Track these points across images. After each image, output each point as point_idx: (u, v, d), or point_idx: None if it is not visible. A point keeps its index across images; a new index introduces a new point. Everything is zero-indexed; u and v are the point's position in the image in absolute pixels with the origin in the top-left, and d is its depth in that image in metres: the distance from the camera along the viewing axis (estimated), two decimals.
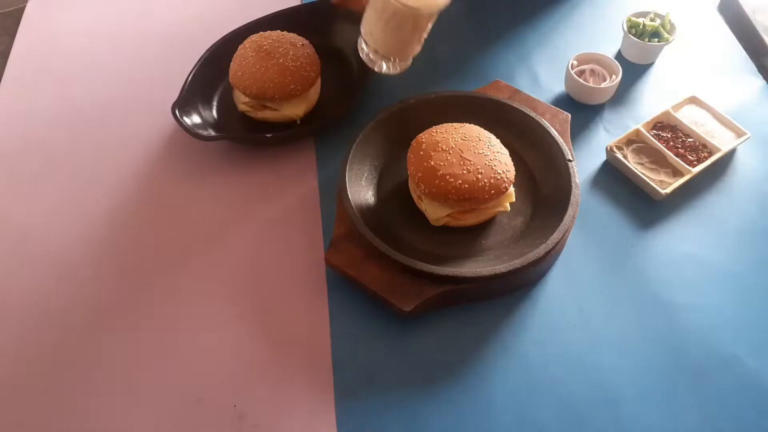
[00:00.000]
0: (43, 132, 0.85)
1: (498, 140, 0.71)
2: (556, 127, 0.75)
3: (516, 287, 0.68)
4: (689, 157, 0.76)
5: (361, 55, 0.68)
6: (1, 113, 0.87)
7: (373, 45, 0.66)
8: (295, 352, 0.64)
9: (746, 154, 0.79)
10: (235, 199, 0.77)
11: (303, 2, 0.98)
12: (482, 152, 0.68)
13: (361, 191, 0.72)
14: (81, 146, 0.83)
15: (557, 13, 0.99)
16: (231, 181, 0.78)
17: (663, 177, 0.75)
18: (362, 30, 0.66)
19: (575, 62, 0.85)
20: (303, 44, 0.81)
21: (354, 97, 0.82)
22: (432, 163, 0.67)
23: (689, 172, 0.74)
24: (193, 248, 0.72)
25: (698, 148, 0.77)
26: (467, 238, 0.70)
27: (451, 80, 0.89)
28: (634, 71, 0.89)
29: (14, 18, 1.02)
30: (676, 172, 0.75)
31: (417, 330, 0.65)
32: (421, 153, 0.69)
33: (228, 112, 0.84)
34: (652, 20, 0.88)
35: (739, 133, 0.78)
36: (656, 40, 0.88)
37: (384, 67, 0.67)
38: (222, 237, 0.73)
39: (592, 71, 0.85)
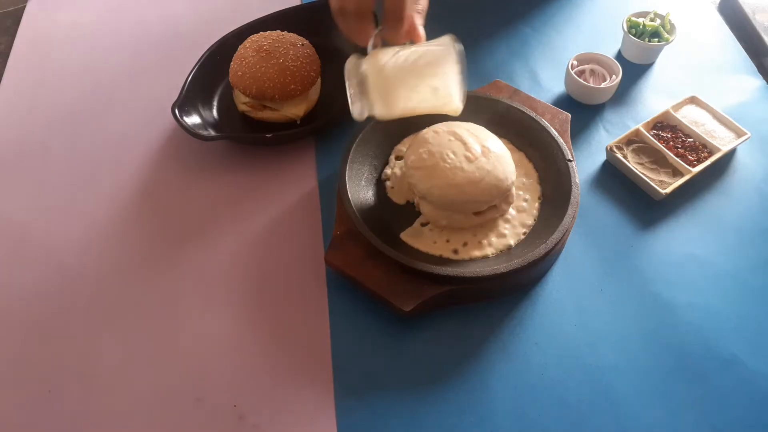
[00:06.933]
0: (43, 132, 0.85)
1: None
2: (556, 127, 0.75)
3: (516, 287, 0.67)
4: (689, 157, 0.76)
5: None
6: (1, 113, 0.87)
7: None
8: (295, 352, 0.64)
9: (746, 154, 0.79)
10: (235, 199, 0.77)
11: (303, 2, 0.98)
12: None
13: (361, 191, 0.72)
14: (81, 146, 0.83)
15: (557, 13, 0.99)
16: (231, 181, 0.78)
17: (663, 177, 0.75)
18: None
19: (575, 62, 0.85)
20: (303, 44, 0.81)
21: None
22: None
23: (689, 172, 0.74)
24: (193, 248, 0.72)
25: (698, 148, 0.77)
26: None
27: None
28: (634, 71, 0.89)
29: (14, 18, 1.02)
30: (676, 172, 0.75)
31: (417, 330, 0.65)
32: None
33: (228, 112, 0.84)
34: (652, 20, 0.88)
35: (739, 133, 0.78)
36: (656, 40, 0.88)
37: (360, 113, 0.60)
38: (221, 237, 0.73)
39: (592, 71, 0.85)
